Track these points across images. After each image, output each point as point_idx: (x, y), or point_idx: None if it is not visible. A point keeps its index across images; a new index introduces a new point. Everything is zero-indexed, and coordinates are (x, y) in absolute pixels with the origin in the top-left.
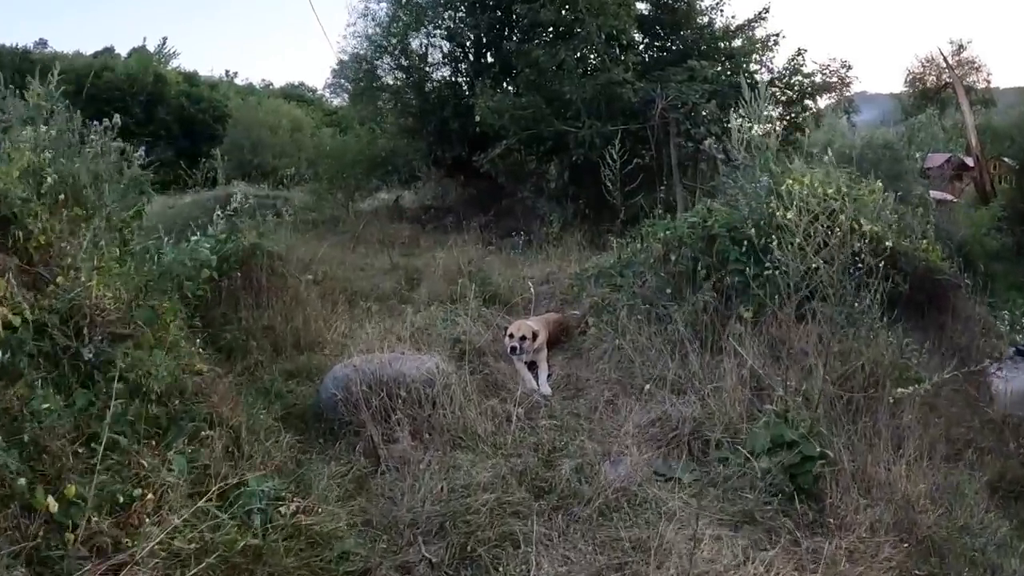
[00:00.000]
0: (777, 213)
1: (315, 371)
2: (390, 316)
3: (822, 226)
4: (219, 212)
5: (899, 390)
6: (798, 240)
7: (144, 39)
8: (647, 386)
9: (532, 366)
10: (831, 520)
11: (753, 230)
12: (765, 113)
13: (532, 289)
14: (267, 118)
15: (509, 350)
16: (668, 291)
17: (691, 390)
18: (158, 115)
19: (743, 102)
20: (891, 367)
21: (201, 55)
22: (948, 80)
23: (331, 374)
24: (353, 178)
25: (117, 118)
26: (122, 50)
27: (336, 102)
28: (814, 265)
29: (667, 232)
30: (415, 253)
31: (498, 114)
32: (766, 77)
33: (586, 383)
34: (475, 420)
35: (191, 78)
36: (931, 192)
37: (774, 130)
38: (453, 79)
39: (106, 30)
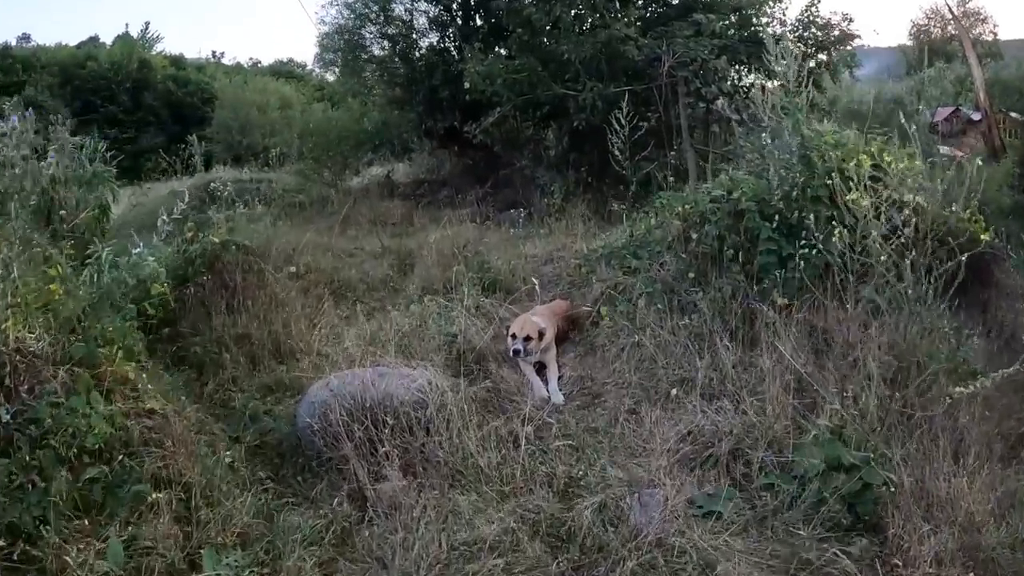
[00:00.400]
0: (844, 193)
1: (296, 385)
2: (379, 311)
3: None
4: (164, 217)
5: (958, 389)
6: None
7: (127, 25)
8: (673, 391)
9: (540, 366)
10: (896, 559)
11: (782, 203)
12: (790, 69)
13: (536, 284)
14: (255, 97)
15: (512, 353)
16: (691, 275)
17: (724, 394)
18: (145, 101)
19: (766, 57)
20: (948, 360)
21: (187, 37)
22: (954, 32)
23: (306, 398)
24: (341, 155)
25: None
26: (107, 38)
27: (327, 76)
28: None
29: (686, 207)
30: (408, 233)
31: (489, 79)
32: (778, 30)
33: (603, 387)
34: (476, 448)
35: (177, 61)
36: (940, 148)
37: (803, 87)
38: (441, 45)
39: (90, 20)
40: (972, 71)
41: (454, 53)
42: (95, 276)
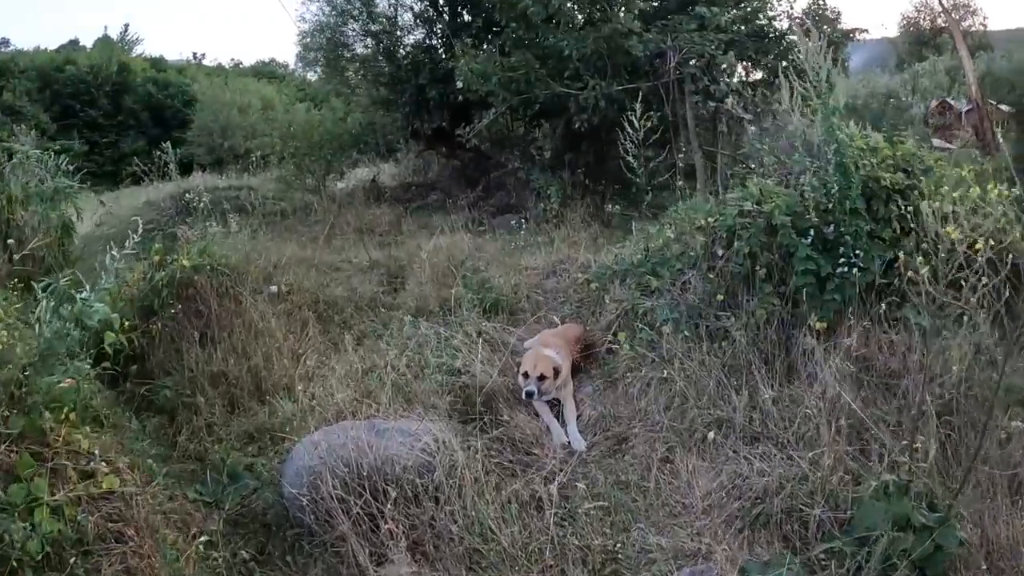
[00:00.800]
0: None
1: (280, 432)
2: (370, 336)
3: (899, 208)
4: (114, 251)
5: (1016, 423)
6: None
7: (105, 28)
8: (710, 434)
9: (556, 402)
10: None
11: (816, 216)
12: (820, 64)
13: (557, 320)
14: (235, 98)
15: (525, 395)
16: (719, 297)
17: (766, 436)
18: (126, 104)
19: (797, 54)
20: (1006, 392)
21: (168, 39)
22: (944, 24)
23: (291, 462)
24: (324, 158)
25: None
26: (87, 42)
27: (309, 76)
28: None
29: (709, 219)
30: (397, 242)
31: (484, 78)
32: (784, 24)
33: (628, 429)
34: (496, 520)
35: (158, 63)
36: (933, 140)
37: (828, 84)
38: (427, 42)
39: (71, 23)
40: (963, 64)
41: (441, 51)
42: (45, 319)
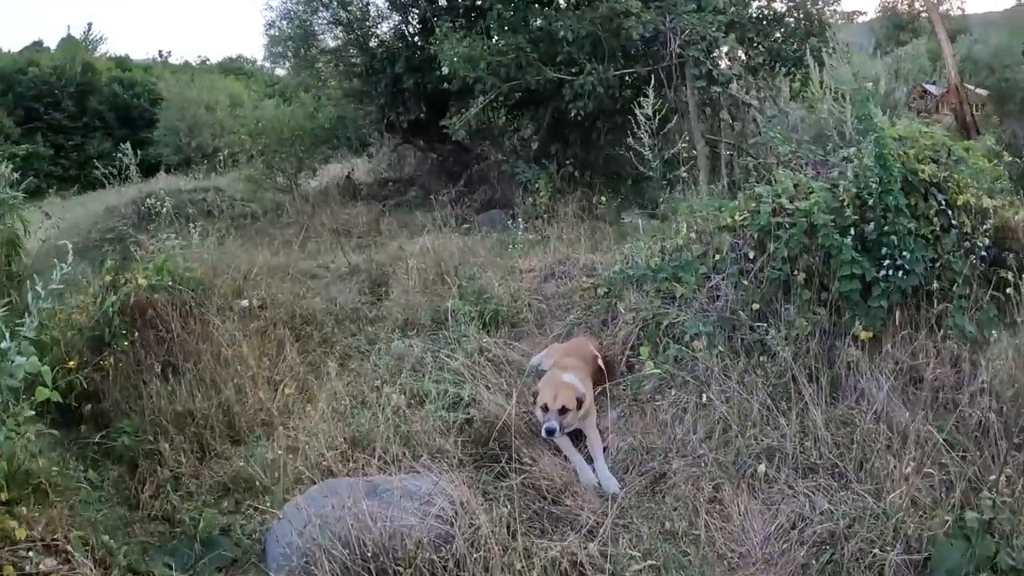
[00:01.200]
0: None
1: (260, 482)
2: (355, 355)
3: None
4: (64, 265)
5: None
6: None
7: (68, 28)
8: (760, 467)
9: (577, 433)
10: None
11: (855, 214)
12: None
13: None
14: (203, 96)
15: (545, 432)
16: (754, 306)
17: (820, 466)
18: (91, 105)
19: (823, 35)
20: None
21: (133, 38)
22: (922, 8)
23: (276, 540)
24: (295, 155)
25: None
26: (51, 43)
27: (278, 71)
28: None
29: (736, 218)
30: (377, 243)
31: (471, 63)
32: (784, 7)
33: (666, 463)
34: None
35: (123, 63)
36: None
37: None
38: (403, 28)
39: (34, 24)
40: (943, 48)
41: (416, 38)
42: None
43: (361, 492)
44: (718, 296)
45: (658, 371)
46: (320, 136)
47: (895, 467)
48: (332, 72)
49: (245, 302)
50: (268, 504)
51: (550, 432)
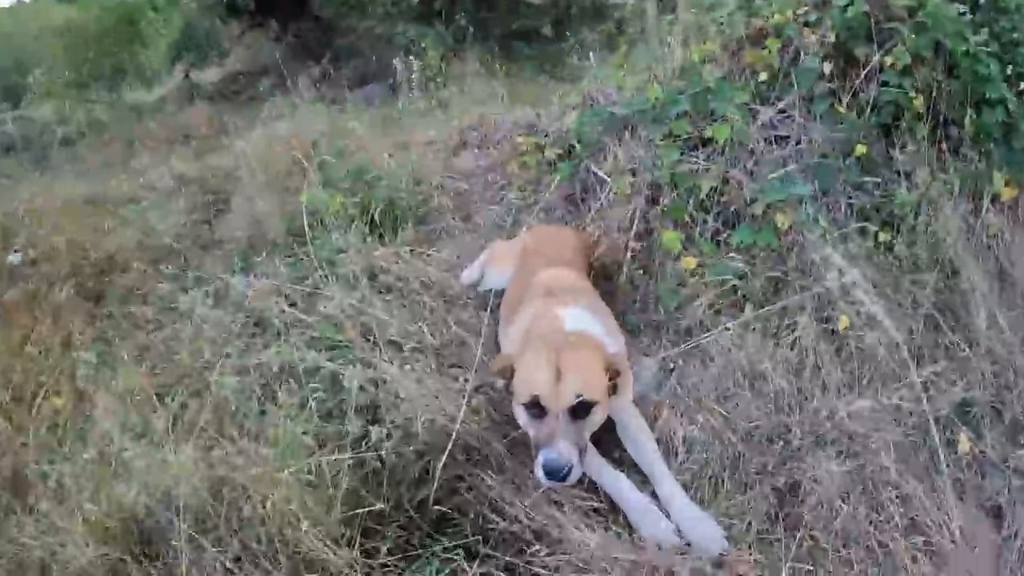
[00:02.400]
0: None
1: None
2: (167, 315)
3: None
4: None
5: None
6: None
7: None
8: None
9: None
10: None
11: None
12: None
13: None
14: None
15: (545, 475)
16: (859, 150)
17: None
18: None
19: None
20: None
21: None
22: None
23: None
24: (111, 56)
25: None
26: None
27: None
28: None
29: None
30: (222, 147)
31: None
32: None
33: (780, 458)
34: None
35: None
36: None
37: None
38: None
39: None
40: None
41: None
42: None
43: None
44: (781, 138)
45: (701, 279)
46: (132, 31)
47: None
48: None
49: (17, 255)
50: None
51: (555, 473)
